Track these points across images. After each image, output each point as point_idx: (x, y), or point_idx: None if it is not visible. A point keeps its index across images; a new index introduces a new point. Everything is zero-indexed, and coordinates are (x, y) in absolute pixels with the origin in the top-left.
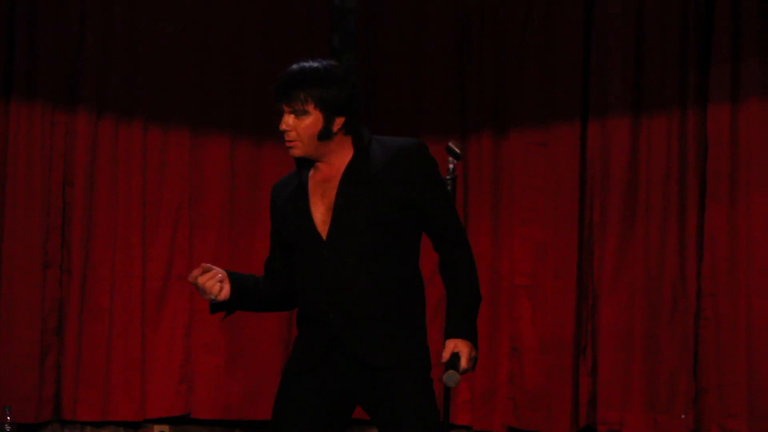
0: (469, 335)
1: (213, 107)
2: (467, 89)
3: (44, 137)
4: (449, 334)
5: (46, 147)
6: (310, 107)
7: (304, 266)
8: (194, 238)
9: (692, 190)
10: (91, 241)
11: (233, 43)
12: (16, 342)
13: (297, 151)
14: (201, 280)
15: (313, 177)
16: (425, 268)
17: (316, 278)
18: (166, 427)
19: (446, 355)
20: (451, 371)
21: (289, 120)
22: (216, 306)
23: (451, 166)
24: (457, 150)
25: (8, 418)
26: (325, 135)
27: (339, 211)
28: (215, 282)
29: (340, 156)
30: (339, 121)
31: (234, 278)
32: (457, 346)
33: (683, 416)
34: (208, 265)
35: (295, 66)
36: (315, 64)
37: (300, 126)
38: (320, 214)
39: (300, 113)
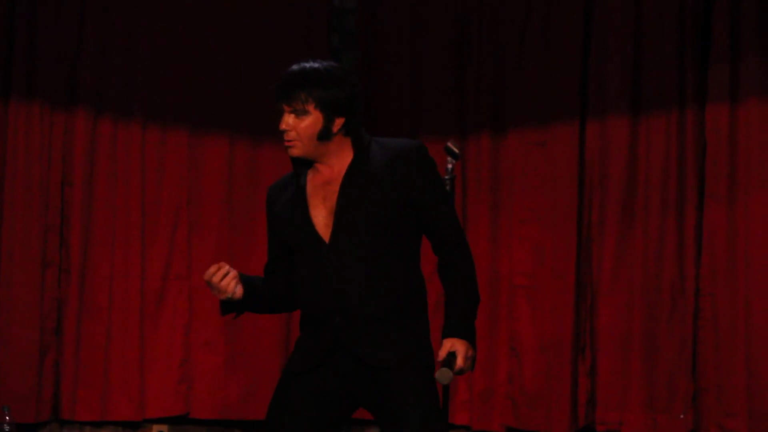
0: (467, 335)
1: (212, 107)
2: (466, 89)
3: (43, 137)
4: (447, 333)
5: (45, 147)
6: (311, 107)
7: (306, 269)
8: (193, 238)
9: (691, 190)
10: (90, 241)
11: (232, 43)
12: (15, 342)
13: (296, 151)
14: (217, 278)
15: (313, 179)
16: (424, 269)
17: (318, 280)
18: (165, 427)
19: (443, 353)
20: (444, 369)
21: (289, 120)
22: (228, 306)
23: (449, 166)
24: (456, 150)
25: (7, 418)
26: (324, 135)
27: (341, 214)
28: (231, 280)
29: (340, 157)
30: (339, 122)
31: (244, 278)
32: (454, 345)
33: (682, 416)
34: (224, 263)
35: (295, 66)
36: (316, 65)
37: (300, 126)
38: (322, 217)
39: (300, 113)
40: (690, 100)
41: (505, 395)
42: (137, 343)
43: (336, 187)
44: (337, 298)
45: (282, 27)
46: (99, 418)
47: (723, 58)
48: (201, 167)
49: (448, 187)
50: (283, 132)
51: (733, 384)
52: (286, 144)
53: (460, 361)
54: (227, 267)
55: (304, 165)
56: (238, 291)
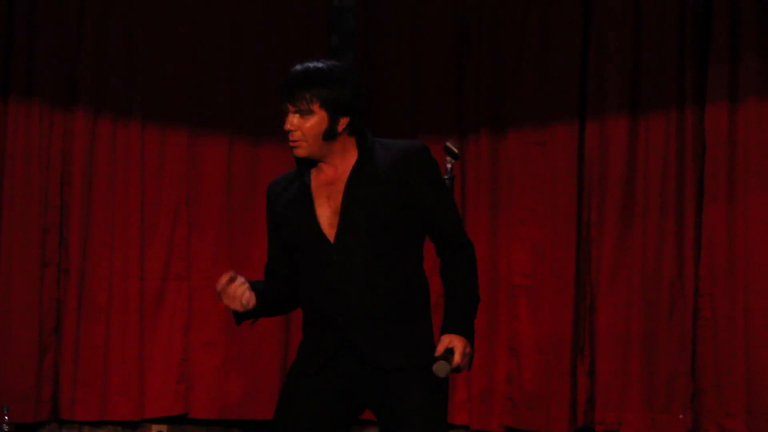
0: (465, 332)
1: (211, 107)
2: (466, 89)
3: (42, 137)
4: (445, 330)
5: (44, 146)
6: (315, 107)
7: (310, 269)
8: (192, 238)
9: (690, 189)
10: (89, 241)
11: (231, 42)
12: (14, 341)
13: (301, 151)
14: (231, 288)
15: (316, 178)
16: (424, 267)
17: (323, 281)
18: (164, 427)
19: (440, 348)
20: (441, 361)
21: (293, 120)
22: (241, 315)
23: (449, 165)
24: (455, 150)
25: (6, 417)
26: (329, 135)
27: (346, 214)
28: (245, 289)
29: (344, 157)
30: (343, 122)
31: (254, 286)
32: (452, 341)
33: (681, 416)
34: (234, 272)
35: (299, 66)
36: (320, 64)
37: (305, 126)
38: (326, 217)
39: (305, 113)
40: (689, 100)
41: (504, 395)
42: (136, 342)
43: (340, 187)
44: (342, 299)
45: (281, 27)
46: (98, 418)
47: (722, 59)
48: (200, 167)
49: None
50: (288, 132)
51: (732, 384)
52: (291, 144)
53: (457, 358)
54: (238, 276)
55: (307, 164)
56: (252, 301)
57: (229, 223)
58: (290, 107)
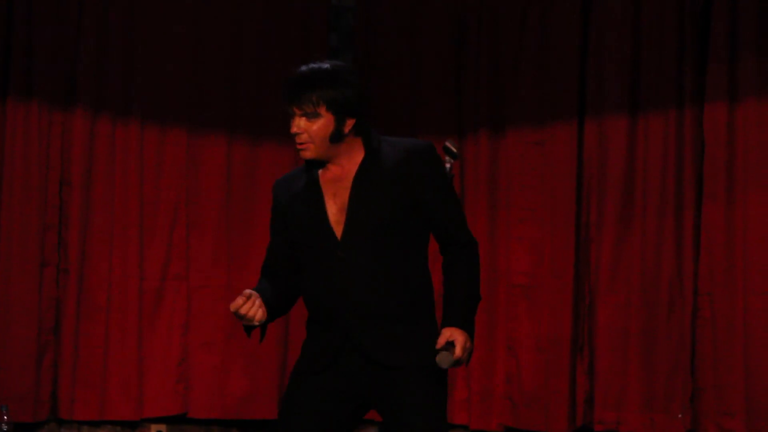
0: (466, 327)
1: (210, 107)
2: (464, 88)
3: (41, 137)
4: (445, 324)
5: (44, 146)
6: (322, 109)
7: (315, 266)
8: (191, 238)
9: (689, 189)
10: (88, 241)
11: (231, 42)
12: (13, 341)
13: (308, 153)
14: (245, 309)
15: (323, 175)
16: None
17: (329, 279)
18: (163, 427)
19: (441, 341)
20: (444, 352)
21: (300, 122)
22: (251, 327)
23: (448, 165)
24: (454, 149)
25: (5, 417)
26: (336, 137)
27: (353, 212)
28: (258, 308)
29: (351, 157)
30: (350, 123)
31: (264, 297)
32: (453, 334)
33: (680, 416)
34: (249, 291)
35: (304, 67)
36: (325, 65)
37: (311, 128)
38: (332, 215)
39: (311, 116)
40: (688, 100)
41: (503, 395)
42: (135, 342)
43: (346, 184)
44: (348, 297)
45: (280, 26)
46: (97, 418)
47: (721, 59)
48: (199, 167)
49: None
50: (295, 135)
51: (731, 383)
52: (299, 147)
53: (458, 351)
54: (254, 297)
55: (315, 164)
56: (261, 314)
57: (228, 223)
58: (296, 110)
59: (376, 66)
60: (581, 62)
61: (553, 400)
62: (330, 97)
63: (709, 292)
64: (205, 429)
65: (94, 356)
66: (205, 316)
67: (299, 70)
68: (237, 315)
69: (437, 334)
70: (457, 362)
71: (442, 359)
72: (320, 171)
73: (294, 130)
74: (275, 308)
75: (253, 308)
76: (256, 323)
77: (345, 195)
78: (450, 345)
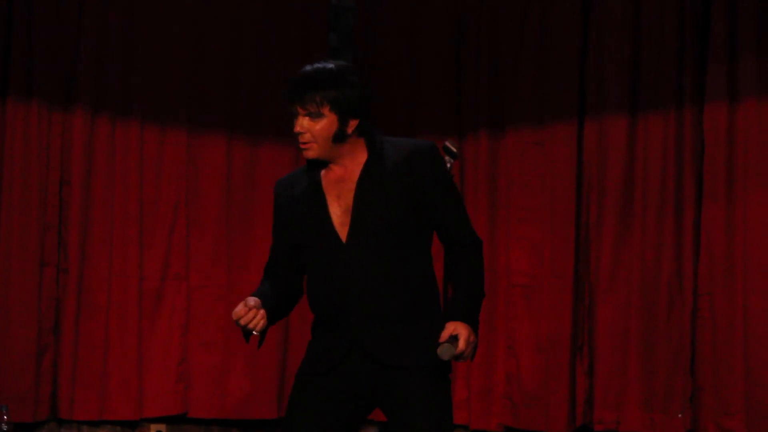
0: (470, 321)
1: (210, 106)
2: (464, 88)
3: (41, 136)
4: (449, 318)
5: (43, 146)
6: (325, 110)
7: (319, 268)
8: (191, 238)
9: (689, 189)
10: (88, 240)
11: (230, 41)
12: (13, 341)
13: (311, 153)
14: (245, 320)
15: (325, 177)
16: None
17: (334, 280)
18: (163, 427)
19: (445, 335)
20: (446, 344)
21: (303, 122)
22: (250, 334)
23: (448, 165)
24: (454, 149)
25: (5, 417)
26: (339, 137)
27: (358, 213)
28: (259, 319)
29: (354, 157)
30: (353, 123)
31: (265, 305)
32: (456, 328)
33: (680, 415)
34: (252, 300)
35: (308, 67)
36: (329, 65)
37: (315, 128)
38: (337, 216)
39: (315, 116)
40: (688, 100)
41: (503, 394)
42: (135, 342)
43: (350, 185)
44: (353, 298)
45: (280, 26)
46: (97, 418)
47: (721, 58)
48: (199, 167)
49: None
50: (298, 134)
51: (731, 383)
52: (302, 146)
53: (462, 344)
54: (255, 308)
55: (317, 164)
56: (263, 322)
57: (227, 223)
58: (300, 110)
59: (375, 66)
60: (581, 62)
61: (552, 399)
62: (333, 98)
63: (709, 292)
64: (204, 429)
65: (93, 356)
66: (205, 316)
67: (303, 69)
68: (237, 323)
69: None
70: (460, 356)
71: (443, 351)
72: (322, 172)
73: (297, 129)
74: (275, 313)
75: (255, 320)
76: (256, 332)
77: (349, 197)
78: (453, 339)
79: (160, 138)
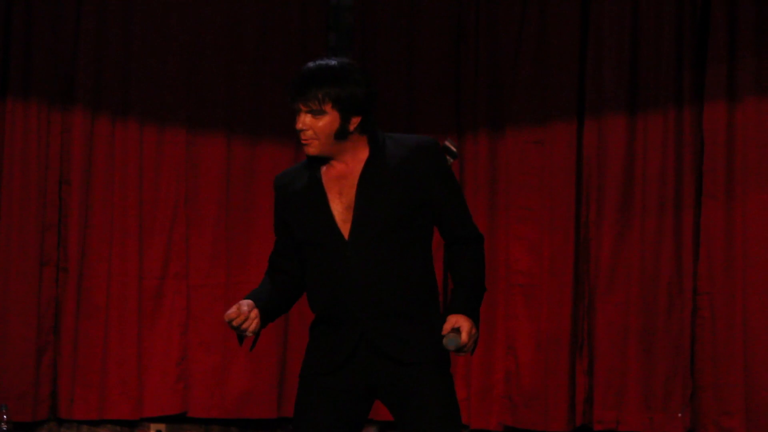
0: (471, 314)
1: (209, 105)
2: (463, 87)
3: (40, 136)
4: (451, 311)
5: (43, 145)
6: (328, 107)
7: (322, 265)
8: (191, 237)
9: (688, 188)
10: (88, 240)
11: (229, 41)
12: (13, 340)
13: (312, 150)
14: (237, 322)
15: (326, 173)
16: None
17: (337, 277)
18: (162, 426)
19: (447, 327)
20: (452, 334)
21: (305, 119)
22: (244, 336)
23: (447, 164)
24: (454, 148)
25: (4, 416)
26: (341, 135)
27: (360, 210)
28: (251, 321)
29: (355, 154)
30: (355, 121)
31: (259, 305)
32: (458, 321)
33: (680, 415)
34: (245, 303)
35: (311, 64)
36: (332, 63)
37: (317, 125)
38: (338, 213)
39: (317, 113)
40: (687, 99)
41: (502, 394)
42: (135, 341)
43: (352, 182)
44: (357, 294)
45: (278, 25)
46: (97, 417)
47: (720, 58)
48: (198, 166)
49: None
50: (300, 131)
51: (730, 383)
52: (303, 142)
53: (464, 337)
54: (247, 311)
55: (318, 161)
56: (256, 324)
57: (227, 222)
58: (302, 107)
59: (375, 65)
60: (581, 61)
61: (552, 399)
62: (336, 95)
63: (709, 291)
64: (204, 428)
65: (93, 355)
66: (204, 315)
67: (306, 66)
68: (230, 325)
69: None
70: (462, 348)
71: (449, 342)
72: (323, 168)
73: (299, 126)
74: (274, 310)
75: (246, 322)
76: (249, 334)
77: (351, 193)
78: (456, 331)
79: (160, 137)
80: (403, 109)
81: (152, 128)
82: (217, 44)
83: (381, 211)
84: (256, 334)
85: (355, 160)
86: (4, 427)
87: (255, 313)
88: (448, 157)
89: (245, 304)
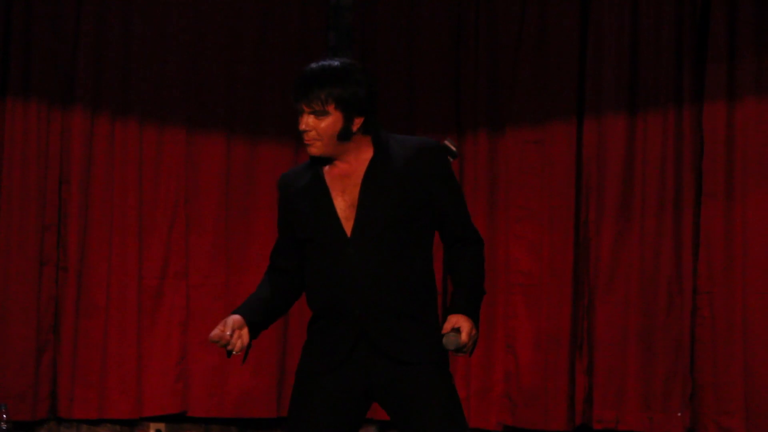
0: (471, 315)
1: (209, 105)
2: (463, 87)
3: (40, 135)
4: (451, 311)
5: (42, 145)
6: (331, 107)
7: (323, 262)
8: (190, 236)
9: (688, 188)
10: (87, 239)
11: (229, 40)
12: (12, 340)
13: (316, 150)
14: (220, 345)
15: (329, 172)
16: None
17: (338, 274)
18: (162, 425)
19: (447, 327)
20: (452, 333)
21: (309, 120)
22: (232, 352)
23: None
24: (453, 148)
25: (4, 416)
26: (344, 135)
27: (363, 209)
28: (236, 340)
29: (358, 154)
30: (358, 121)
31: (249, 320)
32: (458, 321)
33: (679, 414)
34: (230, 320)
35: (314, 65)
36: (335, 63)
37: (320, 126)
38: (341, 211)
39: (320, 113)
40: (687, 99)
41: (502, 393)
42: (134, 341)
43: (355, 181)
44: (358, 292)
45: (278, 25)
46: (96, 417)
47: (720, 57)
48: (198, 165)
49: None
50: (303, 132)
51: (730, 382)
52: (306, 143)
53: (464, 337)
54: (229, 335)
55: (321, 161)
56: (244, 339)
57: (227, 222)
58: (305, 107)
59: (374, 64)
60: (580, 61)
61: (552, 398)
62: (339, 95)
63: (708, 290)
64: (204, 428)
65: (93, 355)
66: (204, 315)
67: (309, 67)
68: (216, 343)
69: (441, 330)
70: (461, 348)
71: (449, 341)
72: (325, 168)
73: (302, 127)
74: (268, 319)
75: (231, 342)
76: (236, 352)
77: (354, 192)
78: (456, 331)
79: (159, 137)
80: (403, 109)
81: (152, 128)
82: (217, 44)
83: (384, 209)
84: (247, 347)
85: (358, 160)
86: (4, 426)
87: (239, 333)
88: (448, 157)
89: (231, 321)
